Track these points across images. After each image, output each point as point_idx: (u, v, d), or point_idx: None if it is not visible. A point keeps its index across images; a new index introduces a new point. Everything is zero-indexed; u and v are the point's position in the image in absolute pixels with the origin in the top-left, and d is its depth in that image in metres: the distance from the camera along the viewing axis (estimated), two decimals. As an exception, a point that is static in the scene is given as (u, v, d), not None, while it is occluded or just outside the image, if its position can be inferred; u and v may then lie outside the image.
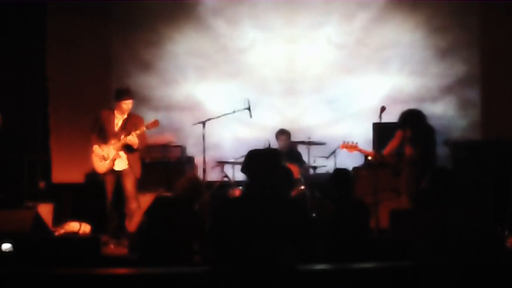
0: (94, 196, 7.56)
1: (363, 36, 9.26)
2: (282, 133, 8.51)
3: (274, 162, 4.07)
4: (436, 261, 3.85)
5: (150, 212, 5.50)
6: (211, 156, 8.31)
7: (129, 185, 7.12)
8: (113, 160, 7.14)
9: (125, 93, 7.30)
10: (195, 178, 5.92)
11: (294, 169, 7.74)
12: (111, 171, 7.16)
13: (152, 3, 9.38)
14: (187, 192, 5.48)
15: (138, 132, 7.08)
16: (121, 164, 7.17)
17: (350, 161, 8.20)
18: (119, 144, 7.13)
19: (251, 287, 3.43)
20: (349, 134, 8.54)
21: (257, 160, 4.04)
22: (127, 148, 7.16)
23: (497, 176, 7.60)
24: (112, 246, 6.87)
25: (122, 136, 7.12)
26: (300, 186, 7.88)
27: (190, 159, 8.76)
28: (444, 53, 9.18)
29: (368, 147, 7.67)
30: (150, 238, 5.29)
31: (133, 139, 7.08)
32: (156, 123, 7.24)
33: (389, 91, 9.01)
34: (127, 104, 7.23)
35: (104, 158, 7.14)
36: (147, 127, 7.16)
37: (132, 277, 3.57)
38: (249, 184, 4.09)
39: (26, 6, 9.08)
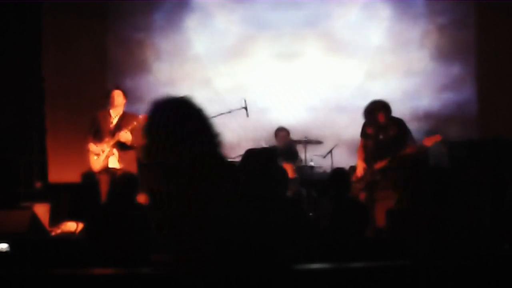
0: (91, 196, 7.54)
1: (361, 35, 9.26)
2: (282, 131, 8.50)
3: (271, 161, 4.06)
4: (434, 261, 3.84)
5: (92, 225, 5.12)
6: (208, 155, 8.27)
7: None
8: (107, 156, 7.14)
9: (114, 86, 7.42)
10: (127, 173, 5.65)
11: (290, 168, 7.74)
12: (106, 170, 7.15)
13: (148, 3, 9.36)
14: (122, 189, 5.08)
15: (129, 128, 7.07)
16: (115, 162, 7.17)
17: (347, 160, 8.19)
18: (112, 141, 7.14)
19: (248, 287, 3.42)
20: (346, 134, 8.55)
21: (254, 160, 4.03)
22: (121, 146, 7.15)
23: (494, 175, 7.60)
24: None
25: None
26: (296, 185, 7.87)
27: (187, 159, 8.71)
28: (440, 52, 9.18)
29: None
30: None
31: (125, 135, 7.09)
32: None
33: (387, 91, 8.99)
34: (118, 95, 7.27)
35: (99, 154, 7.15)
36: (138, 122, 7.14)
37: (130, 277, 3.56)
38: (246, 183, 4.08)
39: (22, 6, 9.06)
